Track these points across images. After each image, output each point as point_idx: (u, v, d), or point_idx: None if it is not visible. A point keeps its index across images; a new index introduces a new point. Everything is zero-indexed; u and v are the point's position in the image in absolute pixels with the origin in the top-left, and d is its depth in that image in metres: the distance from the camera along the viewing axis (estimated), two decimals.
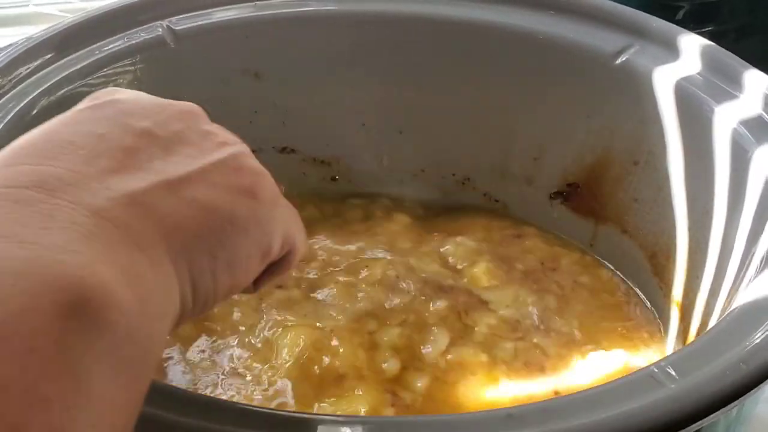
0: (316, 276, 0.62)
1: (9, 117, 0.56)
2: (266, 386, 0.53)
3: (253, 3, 0.68)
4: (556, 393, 0.56)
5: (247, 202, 0.34)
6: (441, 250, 0.67)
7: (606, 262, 0.68)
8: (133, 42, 0.63)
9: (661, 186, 0.63)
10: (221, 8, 0.67)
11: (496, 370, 0.56)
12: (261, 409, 0.38)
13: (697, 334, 0.58)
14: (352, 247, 0.66)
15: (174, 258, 0.29)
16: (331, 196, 0.74)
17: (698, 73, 0.60)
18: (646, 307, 0.64)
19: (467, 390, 0.55)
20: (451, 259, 0.66)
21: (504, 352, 0.58)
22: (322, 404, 0.51)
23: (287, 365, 0.53)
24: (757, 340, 0.40)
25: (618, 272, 0.67)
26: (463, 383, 0.55)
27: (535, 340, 0.59)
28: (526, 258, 0.67)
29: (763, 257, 0.47)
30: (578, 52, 0.65)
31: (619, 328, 0.62)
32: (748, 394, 0.38)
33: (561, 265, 0.67)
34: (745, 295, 0.44)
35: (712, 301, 0.56)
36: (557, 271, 0.67)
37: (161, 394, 0.36)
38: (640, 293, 0.65)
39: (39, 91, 0.58)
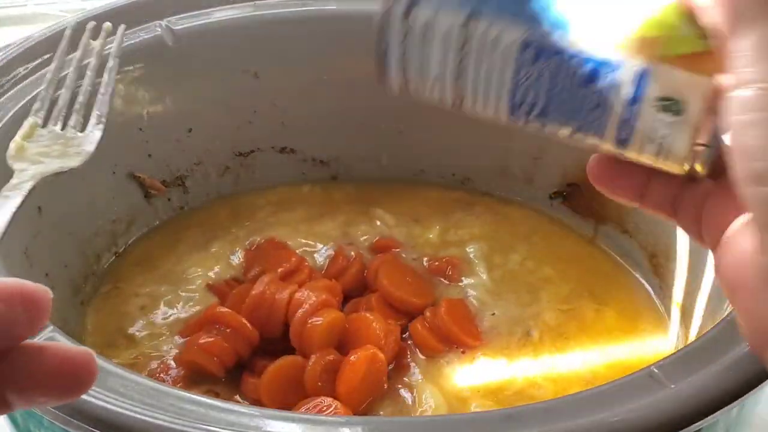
0: None
1: (8, 116, 0.56)
2: None
3: (253, 3, 0.68)
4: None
5: None
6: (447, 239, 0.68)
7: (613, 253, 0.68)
8: (132, 42, 0.63)
9: None
10: (221, 8, 0.67)
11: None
12: (265, 410, 0.38)
13: (698, 334, 0.58)
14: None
15: None
16: (331, 195, 0.74)
17: None
18: (651, 296, 0.65)
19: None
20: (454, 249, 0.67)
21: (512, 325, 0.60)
22: None
23: None
24: None
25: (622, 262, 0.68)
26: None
27: (537, 320, 0.61)
28: (526, 250, 0.68)
29: None
30: None
31: (623, 318, 0.62)
32: (748, 394, 0.38)
33: (563, 258, 0.67)
34: None
35: (712, 301, 0.56)
36: (559, 262, 0.67)
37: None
38: (645, 283, 0.66)
39: (38, 90, 0.58)
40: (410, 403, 0.55)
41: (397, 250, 0.67)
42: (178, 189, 0.70)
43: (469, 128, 0.71)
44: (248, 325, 0.56)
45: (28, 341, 0.26)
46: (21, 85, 0.58)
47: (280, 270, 0.61)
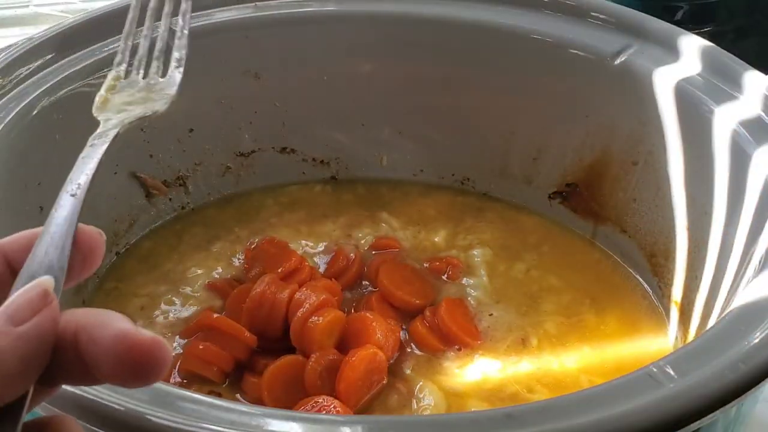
0: None
1: (10, 117, 0.56)
2: None
3: (253, 3, 0.68)
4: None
5: None
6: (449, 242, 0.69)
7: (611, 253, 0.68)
8: (134, 42, 0.63)
9: (660, 186, 0.63)
10: (221, 9, 0.67)
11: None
12: (266, 409, 0.38)
13: (697, 333, 0.58)
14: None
15: None
16: (338, 196, 0.74)
17: (698, 74, 0.60)
18: (650, 295, 0.65)
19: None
20: (455, 251, 0.67)
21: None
22: None
23: None
24: (756, 340, 0.40)
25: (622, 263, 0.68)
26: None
27: (537, 328, 0.61)
28: (529, 247, 0.68)
29: (762, 257, 0.48)
30: (577, 52, 0.65)
31: (623, 323, 0.62)
32: (746, 393, 0.38)
33: (569, 266, 0.67)
34: (744, 295, 0.44)
35: (711, 301, 0.56)
36: (564, 270, 0.67)
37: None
38: (643, 283, 0.66)
39: (39, 91, 0.58)
40: (409, 401, 0.55)
41: (397, 249, 0.67)
42: (179, 189, 0.70)
43: (468, 129, 0.72)
44: (245, 330, 0.56)
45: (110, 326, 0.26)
46: (23, 85, 0.58)
47: (280, 270, 0.61)
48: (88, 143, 0.36)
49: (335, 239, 0.68)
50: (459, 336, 0.59)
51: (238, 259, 0.66)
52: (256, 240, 0.67)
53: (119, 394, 0.37)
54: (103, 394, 0.37)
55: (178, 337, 0.59)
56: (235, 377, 0.56)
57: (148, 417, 0.36)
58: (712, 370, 0.38)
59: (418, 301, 0.61)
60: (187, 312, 0.61)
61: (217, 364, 0.55)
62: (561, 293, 0.64)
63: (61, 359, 0.26)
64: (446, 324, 0.59)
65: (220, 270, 0.65)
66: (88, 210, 0.68)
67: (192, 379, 0.56)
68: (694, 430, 0.37)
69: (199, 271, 0.65)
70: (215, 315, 0.58)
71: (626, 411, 0.36)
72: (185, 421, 0.36)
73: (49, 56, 0.60)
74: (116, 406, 0.36)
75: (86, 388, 0.37)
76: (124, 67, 0.46)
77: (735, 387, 0.38)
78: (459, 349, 0.59)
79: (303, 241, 0.68)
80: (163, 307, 0.62)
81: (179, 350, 0.58)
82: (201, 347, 0.56)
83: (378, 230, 0.69)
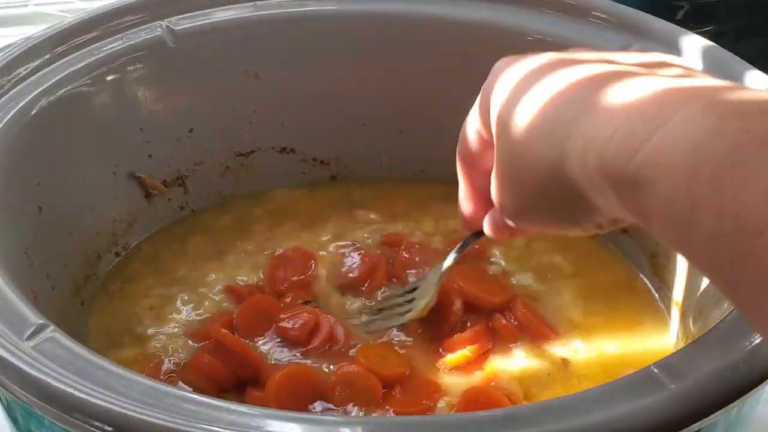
0: None
1: (8, 117, 0.56)
2: None
3: (253, 3, 0.68)
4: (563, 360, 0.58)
5: None
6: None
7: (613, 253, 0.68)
8: (133, 42, 0.63)
9: None
10: (221, 8, 0.67)
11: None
12: (265, 410, 0.38)
13: (698, 334, 0.58)
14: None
15: None
16: (331, 195, 0.74)
17: None
18: (651, 296, 0.65)
19: None
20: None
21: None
22: None
23: None
24: (757, 341, 0.40)
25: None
26: None
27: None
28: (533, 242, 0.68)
29: None
30: None
31: (625, 315, 0.62)
32: (747, 394, 0.38)
33: (568, 252, 0.68)
34: None
35: (712, 301, 0.56)
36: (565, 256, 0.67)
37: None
38: (645, 282, 0.66)
39: (38, 91, 0.58)
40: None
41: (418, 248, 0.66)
42: (179, 189, 0.70)
43: None
44: (251, 351, 0.56)
45: None
46: (21, 85, 0.58)
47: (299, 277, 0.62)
48: None
49: (336, 240, 0.68)
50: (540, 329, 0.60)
51: (240, 259, 0.66)
52: (279, 250, 0.66)
53: (116, 394, 0.37)
54: (103, 395, 0.37)
55: (190, 340, 0.58)
56: (237, 391, 0.55)
57: (148, 418, 0.36)
58: (714, 371, 0.38)
59: (495, 299, 0.62)
60: (197, 315, 0.60)
61: (219, 380, 0.55)
62: (565, 302, 0.64)
63: None
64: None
65: (230, 273, 0.64)
66: (86, 210, 0.68)
67: (194, 387, 0.55)
68: (695, 431, 0.37)
69: (213, 276, 0.64)
70: (223, 330, 0.57)
71: (627, 411, 0.36)
72: (185, 422, 0.36)
73: (48, 56, 0.60)
74: (116, 408, 0.36)
75: (89, 392, 0.37)
76: None
77: (736, 388, 0.38)
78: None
79: (316, 245, 0.67)
80: (171, 307, 0.61)
81: (185, 356, 0.57)
82: (205, 361, 0.55)
83: (383, 229, 0.69)
